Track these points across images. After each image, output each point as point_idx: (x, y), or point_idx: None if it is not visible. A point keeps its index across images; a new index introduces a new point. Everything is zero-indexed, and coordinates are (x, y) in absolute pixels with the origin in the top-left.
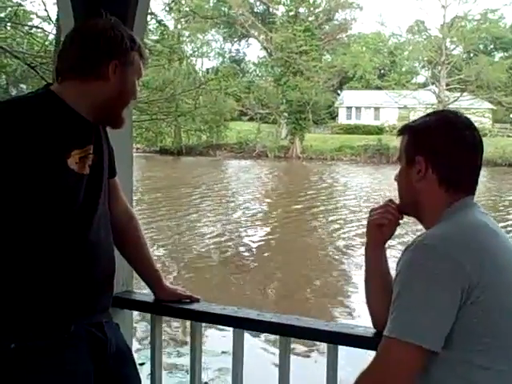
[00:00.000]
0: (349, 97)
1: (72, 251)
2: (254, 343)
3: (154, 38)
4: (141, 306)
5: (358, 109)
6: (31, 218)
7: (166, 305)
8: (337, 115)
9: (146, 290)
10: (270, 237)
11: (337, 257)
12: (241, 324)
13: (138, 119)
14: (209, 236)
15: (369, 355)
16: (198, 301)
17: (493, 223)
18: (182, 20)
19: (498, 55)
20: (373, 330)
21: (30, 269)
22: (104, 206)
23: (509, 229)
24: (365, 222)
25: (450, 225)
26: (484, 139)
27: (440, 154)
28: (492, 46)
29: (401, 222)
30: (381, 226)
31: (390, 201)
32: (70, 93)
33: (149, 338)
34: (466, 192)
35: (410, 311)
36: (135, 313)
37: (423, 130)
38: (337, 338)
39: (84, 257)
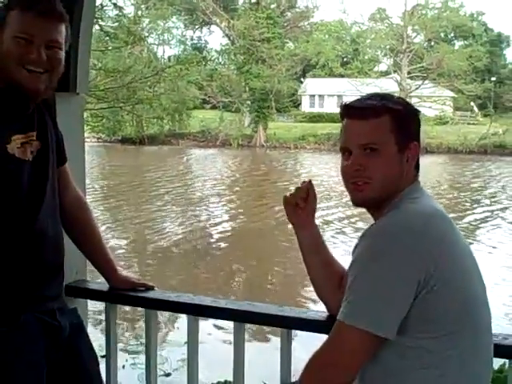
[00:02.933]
0: (312, 85)
1: (18, 240)
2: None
3: (114, 24)
4: (94, 295)
5: (321, 97)
6: None
7: (121, 293)
8: (300, 103)
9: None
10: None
11: None
12: (195, 311)
13: (96, 107)
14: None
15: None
16: (152, 288)
17: (442, 209)
18: (143, 6)
19: (458, 43)
20: (325, 314)
21: None
22: (52, 194)
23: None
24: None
25: (410, 213)
26: (445, 127)
27: (419, 138)
28: (452, 35)
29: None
30: (295, 206)
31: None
32: None
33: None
34: (417, 174)
35: (365, 298)
36: (98, 303)
37: (409, 114)
38: (290, 323)
39: (30, 246)
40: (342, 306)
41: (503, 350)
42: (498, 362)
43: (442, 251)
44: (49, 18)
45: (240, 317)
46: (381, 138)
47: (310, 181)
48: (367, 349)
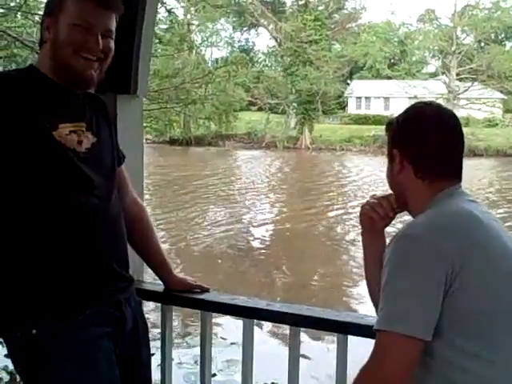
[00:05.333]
0: (358, 86)
1: (81, 232)
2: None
3: (164, 26)
4: (151, 296)
5: (368, 99)
6: (36, 197)
7: (176, 294)
8: (346, 105)
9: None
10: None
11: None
12: (250, 314)
13: (148, 108)
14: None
15: None
16: (207, 290)
17: (481, 211)
18: (192, 9)
19: (509, 44)
20: None
21: (41, 252)
22: (112, 191)
23: None
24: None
25: (433, 213)
26: (494, 129)
27: (412, 144)
28: (503, 35)
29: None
30: (371, 218)
31: (388, 195)
32: (42, 63)
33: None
34: (448, 180)
35: (396, 301)
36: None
37: (395, 123)
38: (346, 328)
39: (96, 240)
40: (377, 315)
41: None
42: None
43: (466, 248)
44: (106, 8)
45: (295, 321)
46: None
47: (392, 194)
48: (407, 353)
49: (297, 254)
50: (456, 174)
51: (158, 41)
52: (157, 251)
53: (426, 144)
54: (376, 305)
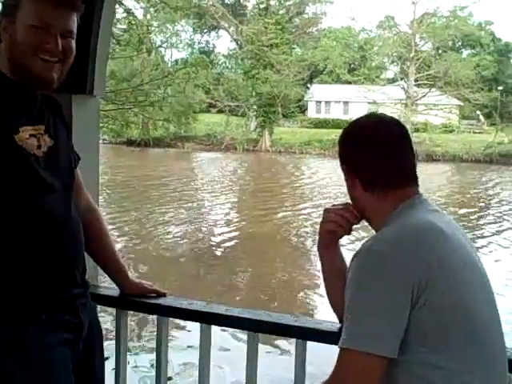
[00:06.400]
0: (318, 91)
1: (36, 236)
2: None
3: (123, 27)
4: (106, 301)
5: (328, 103)
6: None
7: (132, 299)
8: (306, 109)
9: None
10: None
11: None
12: (208, 319)
13: (104, 108)
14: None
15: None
16: (164, 295)
17: (444, 222)
18: (152, 9)
19: (465, 52)
20: (339, 325)
21: None
22: (71, 194)
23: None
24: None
25: (396, 228)
26: (451, 135)
27: (353, 159)
28: (460, 43)
29: None
30: (333, 232)
31: (347, 204)
32: (1, 64)
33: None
34: (400, 189)
35: (361, 320)
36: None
37: (339, 140)
38: (305, 333)
39: (49, 243)
40: (342, 332)
41: None
42: None
43: (431, 264)
44: (65, 8)
45: (254, 326)
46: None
47: (349, 203)
48: (373, 371)
49: (255, 255)
50: (408, 182)
51: (116, 41)
52: (112, 255)
53: (366, 157)
54: (339, 317)
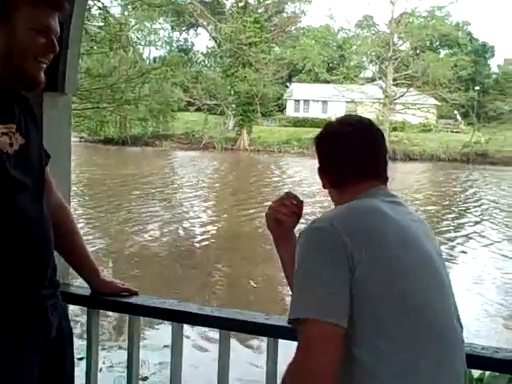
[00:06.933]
0: (297, 90)
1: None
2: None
3: (99, 24)
4: (77, 300)
5: (307, 102)
6: None
7: (103, 298)
8: (285, 108)
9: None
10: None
11: None
12: (180, 318)
13: (79, 107)
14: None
15: None
16: (136, 294)
17: (396, 210)
18: (129, 7)
19: (443, 52)
20: None
21: None
22: (43, 193)
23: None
24: None
25: (340, 208)
26: (429, 134)
27: (322, 158)
28: (438, 43)
29: None
30: (278, 220)
31: (287, 194)
32: None
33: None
34: (362, 184)
35: (306, 290)
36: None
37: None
38: (277, 332)
39: (23, 248)
40: (290, 305)
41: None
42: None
43: (367, 241)
44: (59, 11)
45: (226, 325)
46: None
47: (302, 201)
48: (336, 341)
49: (233, 253)
50: (369, 178)
51: (92, 39)
52: (83, 254)
53: (330, 156)
54: None
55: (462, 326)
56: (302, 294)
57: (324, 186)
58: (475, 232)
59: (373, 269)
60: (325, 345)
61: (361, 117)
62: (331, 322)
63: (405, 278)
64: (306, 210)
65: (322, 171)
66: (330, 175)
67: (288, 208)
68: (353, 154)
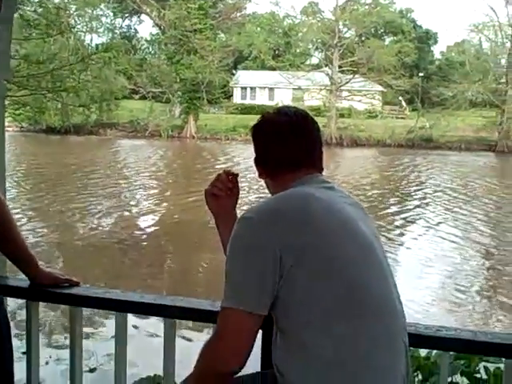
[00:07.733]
0: (244, 77)
1: None
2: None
3: (38, 10)
4: (15, 292)
5: (253, 89)
6: None
7: (43, 289)
8: (231, 95)
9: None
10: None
11: None
12: (123, 307)
13: (15, 94)
14: None
15: None
16: (77, 284)
17: (329, 195)
18: None
19: (388, 39)
20: None
21: None
22: None
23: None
24: None
25: (272, 198)
26: (374, 120)
27: (255, 149)
28: (382, 30)
29: None
30: (215, 196)
31: (223, 171)
32: None
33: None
34: (293, 173)
35: (230, 280)
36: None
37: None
38: None
39: None
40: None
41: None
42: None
43: (300, 228)
44: None
45: (170, 313)
46: None
47: (237, 174)
48: (247, 327)
49: (181, 242)
50: (300, 167)
51: (29, 24)
52: (20, 246)
53: (261, 147)
54: None
55: (401, 303)
56: (227, 283)
57: (260, 176)
58: (418, 214)
59: (307, 257)
60: (238, 330)
61: (298, 108)
62: (244, 310)
63: (340, 260)
64: (251, 197)
65: (257, 161)
66: (266, 165)
67: (223, 183)
68: (287, 143)
